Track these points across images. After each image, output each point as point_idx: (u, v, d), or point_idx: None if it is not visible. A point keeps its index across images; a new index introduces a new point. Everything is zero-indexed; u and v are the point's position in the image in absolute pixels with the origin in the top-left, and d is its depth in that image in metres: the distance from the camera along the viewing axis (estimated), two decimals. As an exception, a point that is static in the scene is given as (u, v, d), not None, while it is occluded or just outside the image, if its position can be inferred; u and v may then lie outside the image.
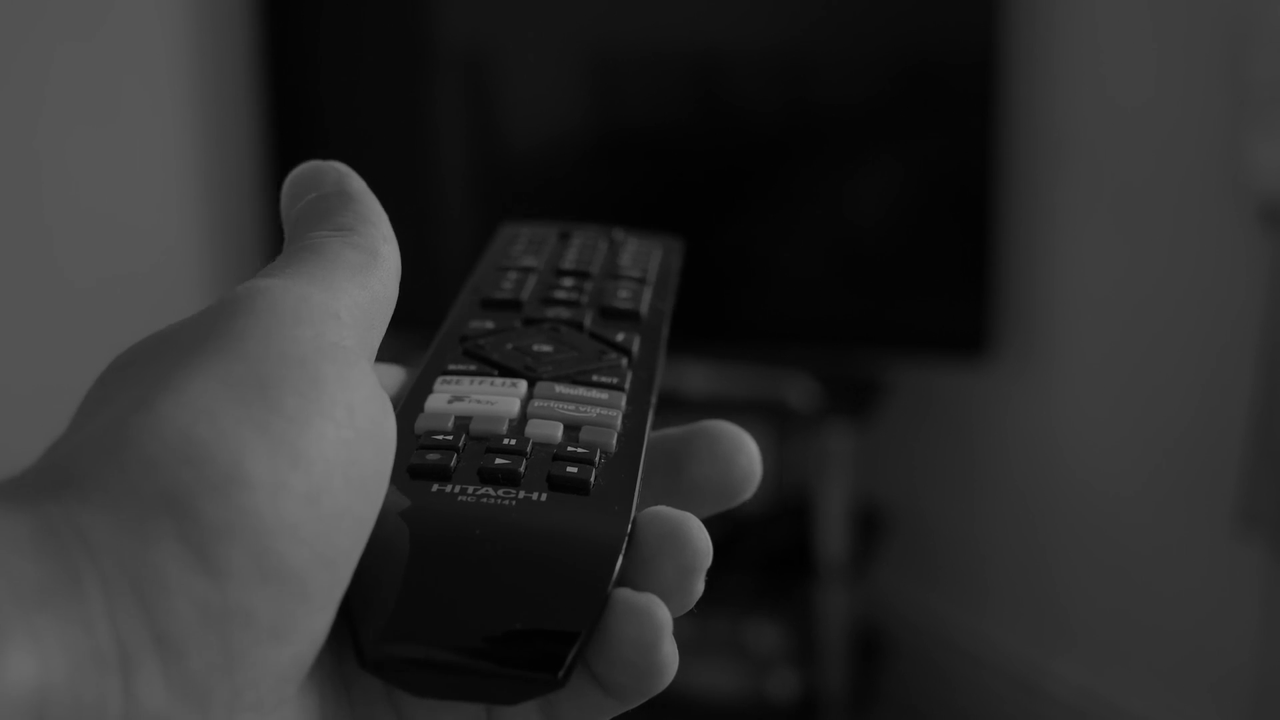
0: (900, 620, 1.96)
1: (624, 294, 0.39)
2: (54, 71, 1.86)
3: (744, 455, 0.35)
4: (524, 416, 0.33)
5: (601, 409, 0.33)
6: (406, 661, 0.28)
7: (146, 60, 1.92)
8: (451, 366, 0.34)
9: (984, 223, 1.70)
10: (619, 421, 0.33)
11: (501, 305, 0.38)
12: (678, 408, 1.80)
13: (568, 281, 0.39)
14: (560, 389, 0.34)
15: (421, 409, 0.33)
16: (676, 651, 0.30)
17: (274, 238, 1.91)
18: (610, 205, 1.86)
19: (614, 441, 0.32)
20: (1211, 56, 1.52)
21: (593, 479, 0.31)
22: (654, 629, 0.29)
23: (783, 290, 1.78)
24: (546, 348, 0.36)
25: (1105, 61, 1.65)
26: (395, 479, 0.29)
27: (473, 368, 0.34)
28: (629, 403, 0.34)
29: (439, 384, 0.34)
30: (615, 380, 0.35)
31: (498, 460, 0.31)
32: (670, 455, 0.34)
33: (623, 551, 0.29)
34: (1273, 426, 1.46)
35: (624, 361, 0.36)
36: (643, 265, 0.42)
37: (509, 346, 0.36)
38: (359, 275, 0.31)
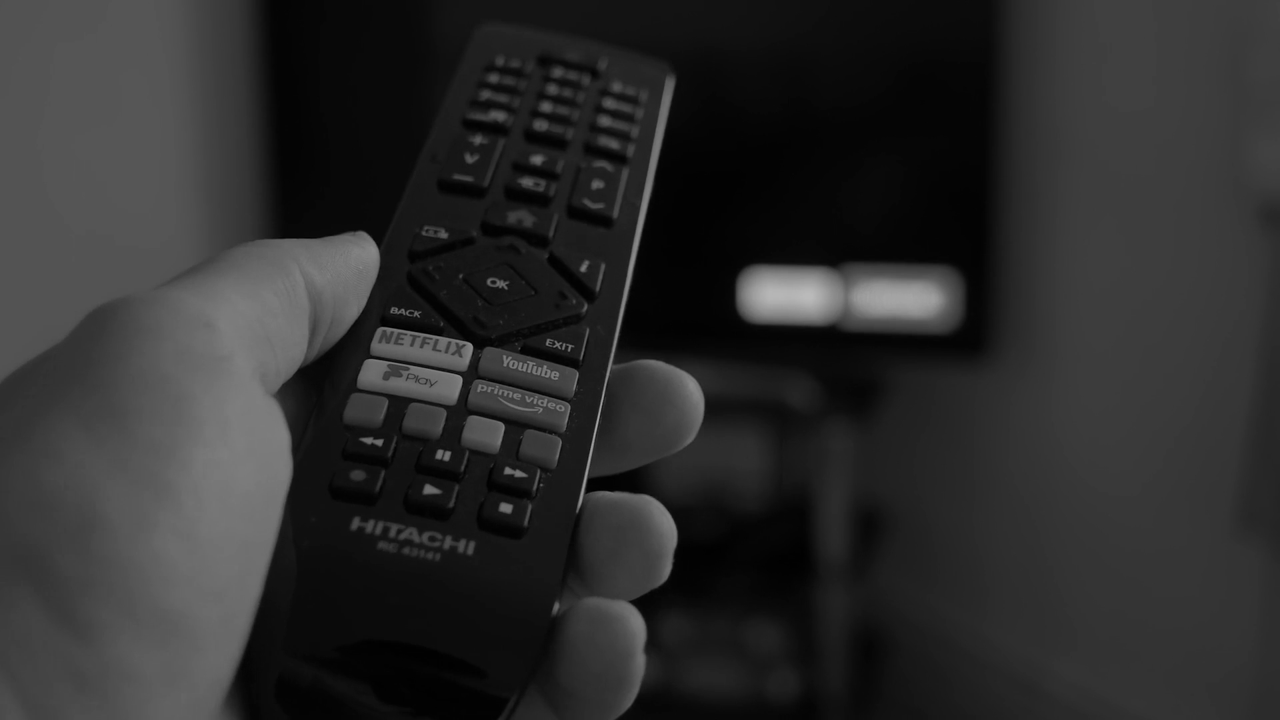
0: (900, 620, 1.96)
1: (597, 184, 0.36)
2: (54, 71, 1.86)
3: (677, 401, 0.31)
4: (464, 406, 0.30)
5: (550, 401, 0.31)
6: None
7: (146, 60, 1.92)
8: (394, 310, 0.31)
9: (984, 223, 1.70)
10: (566, 420, 0.30)
11: (462, 190, 0.35)
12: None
13: (537, 158, 0.36)
14: (508, 361, 0.31)
15: (355, 385, 0.30)
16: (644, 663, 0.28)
17: (273, 235, 1.91)
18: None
19: (557, 455, 0.30)
20: (1211, 57, 1.52)
21: (527, 519, 0.28)
22: (628, 638, 0.28)
23: (783, 290, 1.78)
24: (501, 283, 0.33)
25: (1105, 62, 1.65)
26: (314, 494, 0.28)
27: (416, 315, 0.31)
28: (581, 382, 0.31)
29: (378, 340, 0.31)
30: (570, 347, 0.32)
31: (427, 489, 0.28)
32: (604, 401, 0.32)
33: (555, 606, 0.28)
34: (1273, 426, 1.46)
35: (584, 308, 0.33)
36: (626, 120, 0.38)
37: (459, 279, 0.32)
38: (251, 284, 0.28)
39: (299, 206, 1.92)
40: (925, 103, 1.73)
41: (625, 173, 0.36)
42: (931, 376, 1.84)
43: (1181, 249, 1.60)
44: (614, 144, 0.37)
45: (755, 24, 1.76)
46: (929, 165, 1.76)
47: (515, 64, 0.39)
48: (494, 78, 0.38)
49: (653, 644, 1.86)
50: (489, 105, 0.37)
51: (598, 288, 0.33)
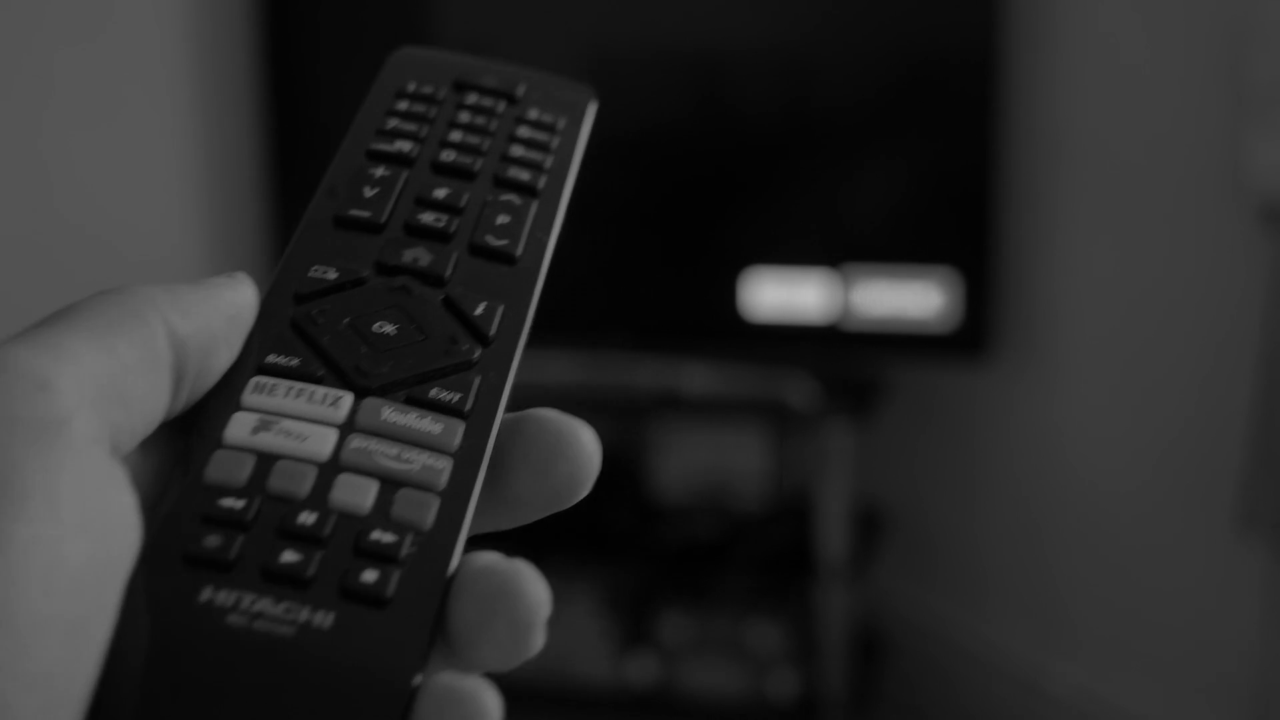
0: (900, 620, 1.96)
1: (503, 219, 0.33)
2: (55, 74, 1.86)
3: (569, 454, 0.29)
4: (336, 463, 0.28)
5: (430, 456, 0.28)
6: None
7: (147, 63, 1.92)
8: (271, 358, 0.29)
9: (984, 223, 1.70)
10: (446, 477, 0.28)
11: (358, 226, 0.33)
12: (678, 408, 1.80)
13: (441, 192, 0.34)
14: (388, 414, 0.29)
15: (220, 440, 0.28)
16: None
17: (274, 238, 1.92)
18: (610, 206, 1.86)
19: (432, 516, 0.28)
20: (1211, 57, 1.52)
21: (392, 588, 0.26)
22: (477, 719, 0.25)
23: (783, 290, 1.78)
24: (389, 328, 0.30)
25: (1105, 62, 1.65)
26: (166, 563, 0.26)
27: (295, 363, 0.29)
28: (467, 435, 0.29)
29: (250, 391, 0.29)
30: (457, 397, 0.30)
31: (285, 556, 0.26)
32: (492, 454, 0.30)
33: (416, 683, 0.26)
34: (1273, 426, 1.46)
35: (476, 353, 0.31)
36: (540, 149, 0.36)
37: (345, 323, 0.30)
38: (102, 337, 0.26)
39: (299, 207, 1.92)
40: (925, 103, 1.73)
41: (534, 207, 0.34)
42: (931, 376, 1.84)
43: (1181, 249, 1.60)
44: (525, 176, 0.35)
45: (755, 24, 1.76)
46: (929, 165, 1.76)
47: (427, 90, 0.37)
48: (403, 105, 0.36)
49: (653, 644, 1.86)
50: (395, 135, 0.35)
51: (493, 331, 0.31)
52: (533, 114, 0.37)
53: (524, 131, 0.36)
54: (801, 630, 1.81)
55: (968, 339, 1.71)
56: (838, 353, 1.77)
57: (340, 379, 0.30)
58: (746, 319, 1.79)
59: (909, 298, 1.74)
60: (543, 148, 0.36)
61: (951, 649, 1.90)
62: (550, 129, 0.36)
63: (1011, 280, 1.73)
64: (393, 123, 0.36)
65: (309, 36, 1.93)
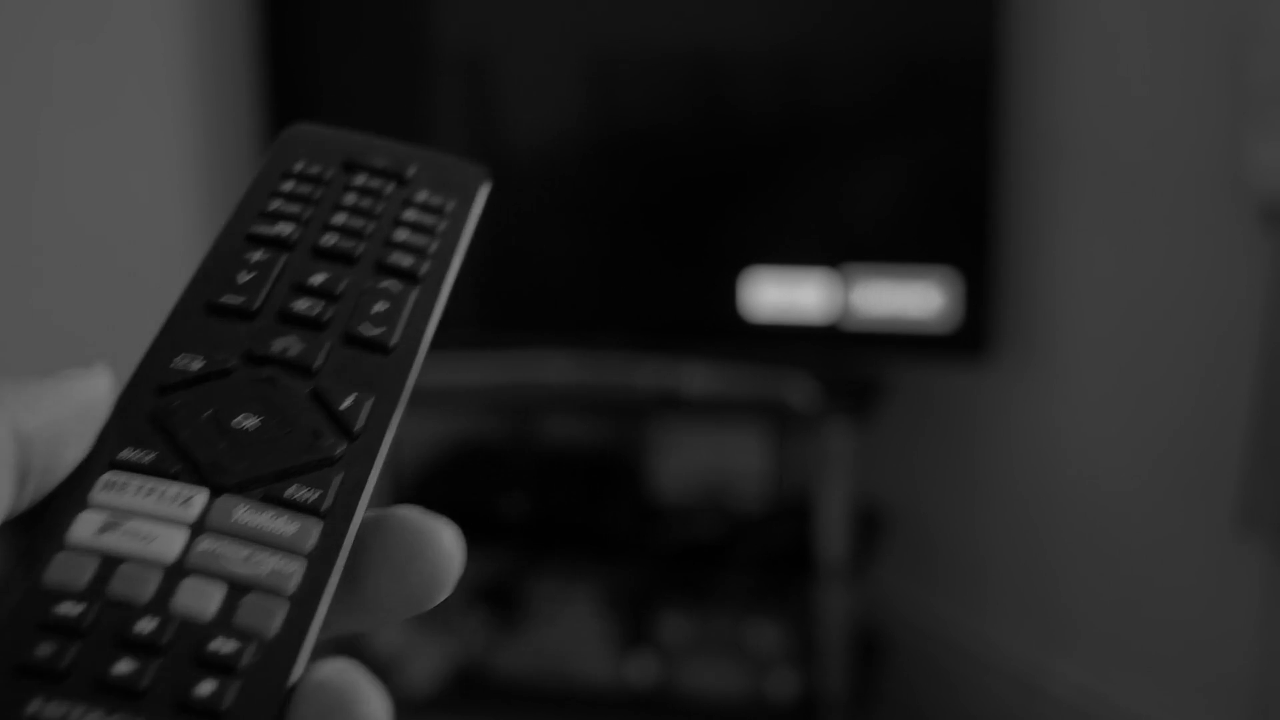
0: (900, 620, 1.96)
1: (380, 307, 0.32)
2: (54, 71, 1.86)
3: (428, 555, 0.28)
4: (182, 566, 0.27)
5: (281, 558, 0.27)
6: None
7: (146, 61, 1.92)
8: (126, 453, 0.28)
9: (984, 223, 1.70)
10: (296, 581, 0.27)
11: (230, 313, 0.31)
12: (678, 408, 1.80)
13: (319, 277, 0.32)
14: (241, 514, 0.28)
15: (63, 542, 0.27)
16: None
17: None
18: (610, 206, 1.86)
19: (277, 622, 0.27)
20: (1211, 57, 1.52)
21: (229, 701, 0.25)
22: None
23: (783, 290, 1.78)
24: (252, 421, 0.29)
25: (1105, 62, 1.65)
26: None
27: (150, 459, 0.28)
28: (323, 536, 0.28)
29: (100, 489, 0.28)
30: (315, 496, 0.28)
31: (120, 665, 0.25)
32: (351, 554, 0.29)
33: None
34: (1273, 427, 1.46)
35: (340, 449, 0.29)
36: (425, 233, 0.35)
37: (206, 416, 0.29)
38: None
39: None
40: (925, 103, 1.73)
41: (415, 294, 0.33)
42: (931, 376, 1.84)
43: (1181, 249, 1.60)
44: (407, 261, 0.34)
45: (755, 24, 1.76)
46: (929, 165, 1.76)
47: (315, 170, 0.35)
48: (289, 185, 0.35)
49: (653, 644, 1.86)
50: (277, 217, 0.34)
51: (359, 426, 0.30)
52: (421, 196, 0.36)
53: (410, 214, 0.35)
54: (801, 630, 1.81)
55: (968, 339, 1.71)
56: (838, 353, 1.77)
57: (196, 475, 0.28)
58: (746, 319, 1.79)
59: (909, 298, 1.74)
60: (428, 231, 0.35)
61: (951, 649, 1.90)
62: (438, 212, 0.35)
63: (1011, 280, 1.73)
64: (276, 204, 0.34)
65: (309, 33, 1.92)
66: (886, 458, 1.91)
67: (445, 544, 0.29)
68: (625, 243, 1.86)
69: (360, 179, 0.35)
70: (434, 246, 0.34)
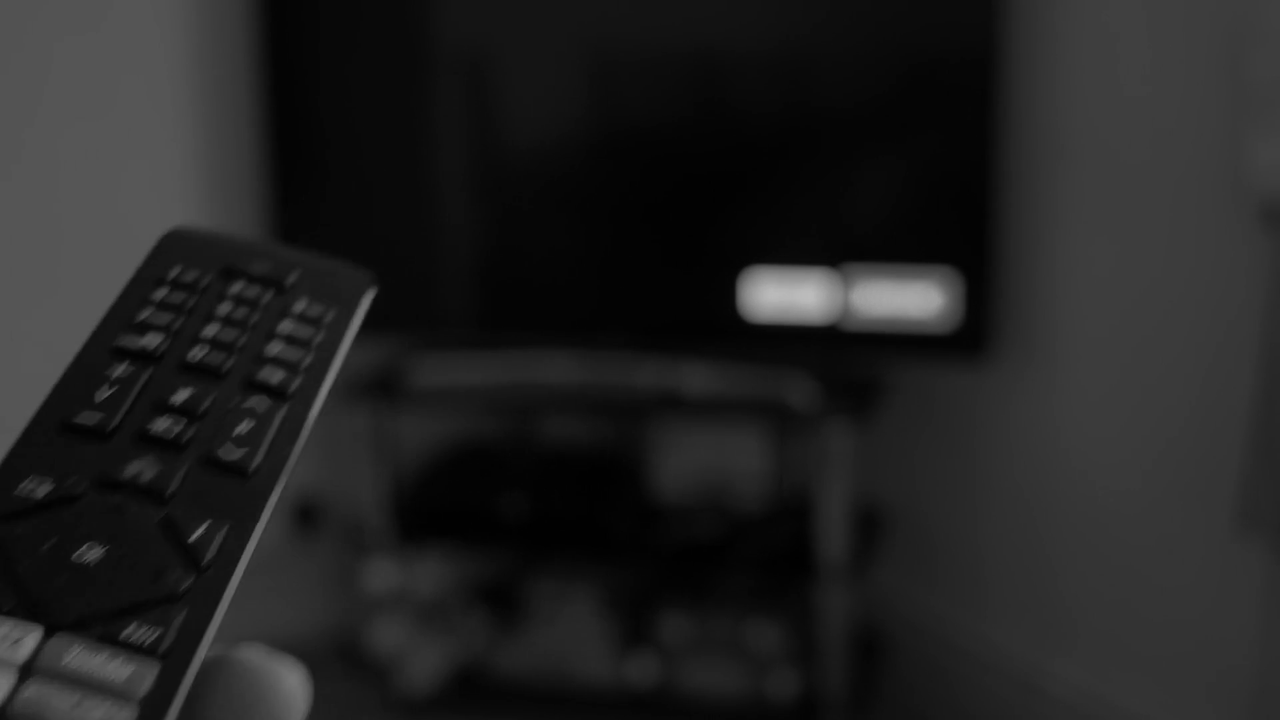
0: (900, 620, 1.96)
1: (245, 427, 0.31)
2: (53, 68, 1.86)
3: (270, 699, 0.27)
4: (4, 714, 0.25)
5: (111, 705, 0.26)
6: None
7: (146, 60, 1.92)
8: None
9: (984, 223, 1.70)
10: None
11: (84, 433, 0.30)
12: (678, 408, 1.80)
13: (182, 395, 0.31)
14: (73, 657, 0.26)
15: None
16: None
17: (271, 233, 1.92)
18: (610, 206, 1.86)
19: None
20: (1211, 57, 1.52)
21: None
22: None
23: (783, 290, 1.78)
24: (95, 553, 0.28)
25: (1105, 63, 1.65)
26: None
27: None
28: (159, 680, 0.26)
29: None
30: (153, 636, 0.27)
31: None
32: (191, 696, 0.27)
33: None
34: (1273, 427, 1.46)
35: (185, 584, 0.28)
36: (300, 346, 0.33)
37: (47, 548, 0.27)
38: None
39: (299, 207, 1.92)
40: (925, 102, 1.74)
41: (282, 412, 0.31)
42: (931, 376, 1.84)
43: (1181, 249, 1.60)
44: (277, 377, 0.32)
45: (755, 24, 1.76)
46: (929, 165, 1.76)
47: (190, 278, 0.34)
48: (162, 294, 0.33)
49: (653, 644, 1.86)
50: (146, 327, 0.32)
51: (208, 558, 0.28)
52: (299, 306, 0.34)
53: (285, 326, 0.33)
54: (801, 630, 1.81)
55: (968, 339, 1.71)
56: (838, 353, 1.77)
57: (32, 612, 0.26)
58: (746, 319, 1.79)
59: (909, 298, 1.74)
60: (303, 345, 0.33)
61: (951, 649, 1.90)
62: (315, 323, 0.33)
63: (1011, 280, 1.73)
64: (145, 313, 0.32)
65: (309, 32, 1.92)
66: (886, 458, 1.91)
67: (288, 688, 0.27)
68: (625, 243, 1.86)
69: (237, 287, 0.34)
70: (307, 360, 0.33)
